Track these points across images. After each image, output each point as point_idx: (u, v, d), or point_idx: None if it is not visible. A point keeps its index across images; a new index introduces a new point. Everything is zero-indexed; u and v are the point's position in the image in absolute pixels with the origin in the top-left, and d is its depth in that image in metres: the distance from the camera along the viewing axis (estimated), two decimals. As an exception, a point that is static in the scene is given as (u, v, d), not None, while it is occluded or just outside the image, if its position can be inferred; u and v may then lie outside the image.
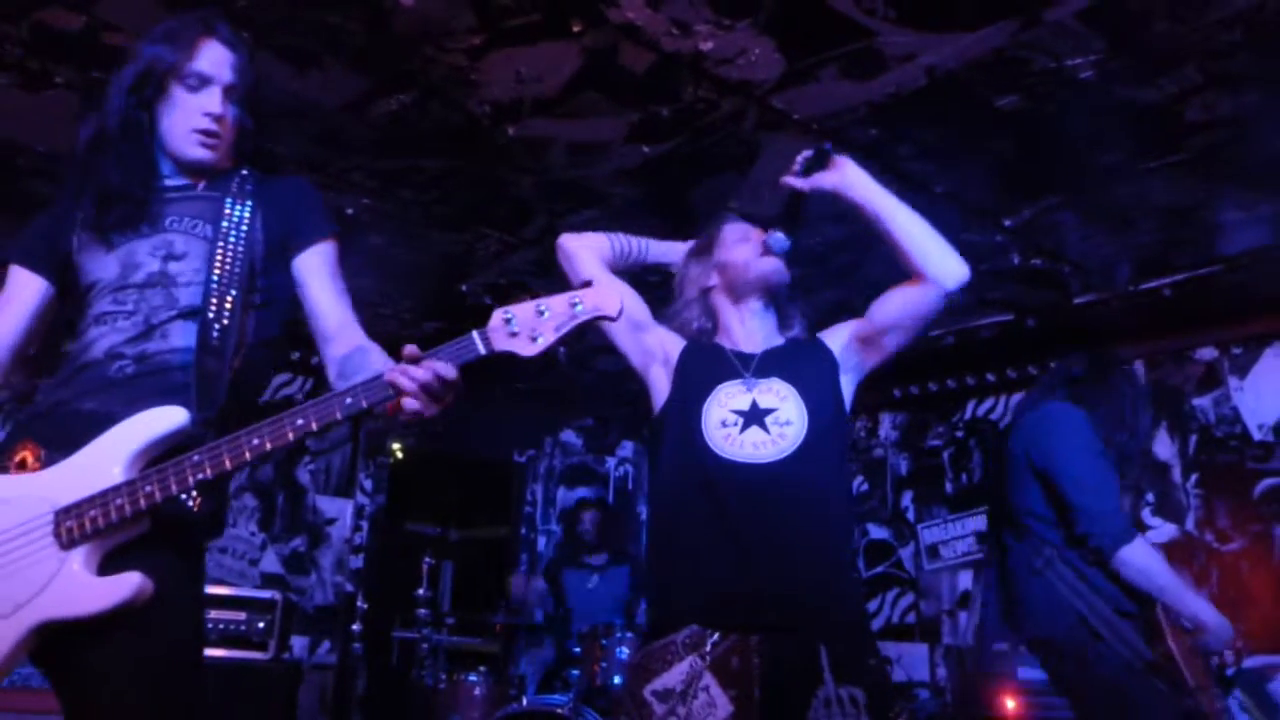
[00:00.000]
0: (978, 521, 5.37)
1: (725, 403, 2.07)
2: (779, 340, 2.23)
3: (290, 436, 1.50)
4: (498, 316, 1.53)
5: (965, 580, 5.38)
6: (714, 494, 1.98)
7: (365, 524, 6.01)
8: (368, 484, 6.05)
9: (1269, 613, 4.19)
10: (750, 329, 2.22)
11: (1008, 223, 3.91)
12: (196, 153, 1.79)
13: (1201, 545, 4.53)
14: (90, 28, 2.83)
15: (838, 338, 2.22)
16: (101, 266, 1.74)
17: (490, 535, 6.81)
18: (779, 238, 2.19)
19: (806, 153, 2.15)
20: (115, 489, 1.51)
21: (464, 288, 4.76)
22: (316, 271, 1.81)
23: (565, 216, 4.01)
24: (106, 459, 1.54)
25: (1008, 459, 2.88)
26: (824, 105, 3.16)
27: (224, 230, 1.75)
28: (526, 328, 1.52)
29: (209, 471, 1.50)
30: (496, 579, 6.51)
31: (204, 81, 1.78)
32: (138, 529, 1.54)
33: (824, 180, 2.16)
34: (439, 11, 2.75)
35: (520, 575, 5.90)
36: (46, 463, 1.58)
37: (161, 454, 1.56)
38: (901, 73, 2.96)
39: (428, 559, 5.01)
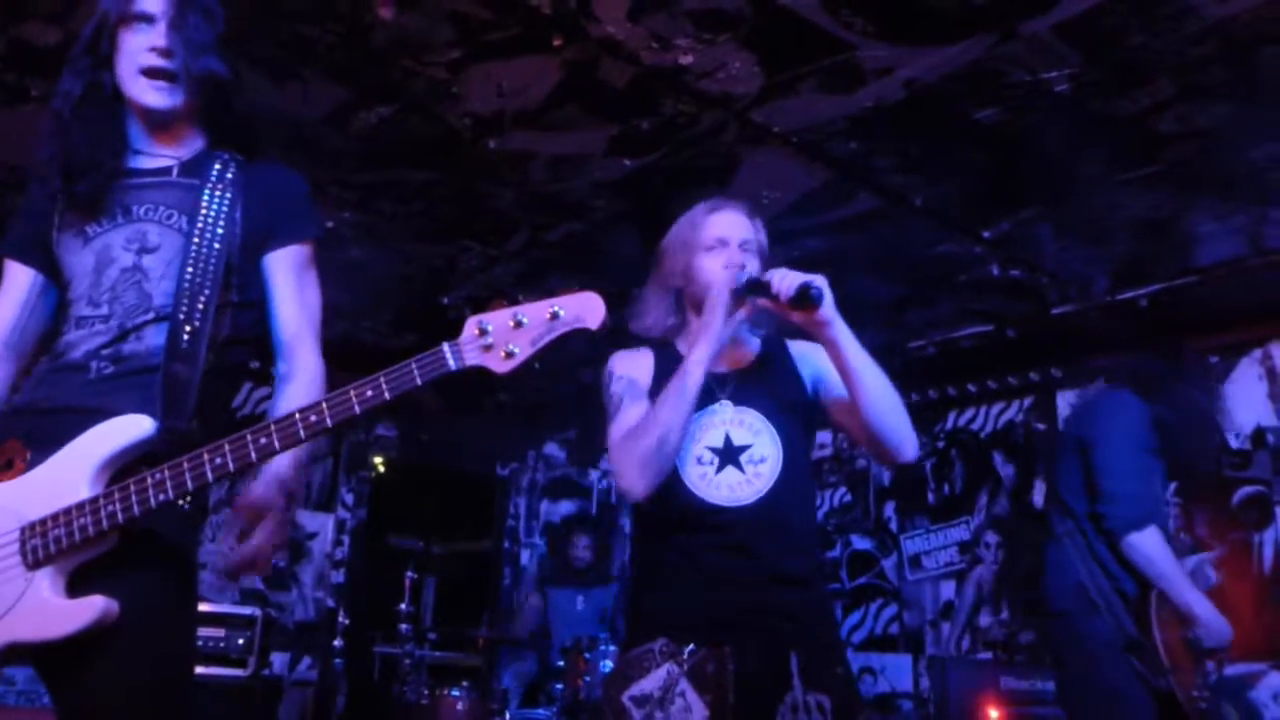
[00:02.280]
0: (960, 531, 5.39)
1: (700, 438, 2.06)
2: (749, 350, 2.21)
3: (253, 456, 1.46)
4: (471, 326, 1.45)
5: (948, 590, 5.39)
6: (693, 534, 2.01)
7: (347, 538, 5.97)
8: (349, 498, 6.02)
9: (1250, 621, 4.21)
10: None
11: (986, 234, 3.94)
12: (149, 98, 1.67)
13: (1181, 553, 4.56)
14: (67, 41, 2.81)
15: (811, 365, 2.18)
16: (78, 259, 1.69)
17: (473, 549, 6.78)
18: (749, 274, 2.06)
19: (803, 281, 2.05)
20: (80, 506, 1.48)
21: (445, 300, 4.75)
22: (283, 274, 1.74)
23: (547, 229, 4.01)
24: (72, 472, 1.51)
25: (1060, 439, 3.08)
26: (804, 119, 3.18)
27: (200, 226, 1.67)
28: (502, 340, 1.45)
29: (170, 491, 1.46)
30: (479, 593, 6.48)
31: (145, 18, 1.67)
32: (105, 546, 1.50)
33: (808, 324, 2.09)
34: (418, 25, 2.75)
35: (527, 597, 5.83)
36: (33, 464, 1.55)
37: (129, 464, 1.53)
38: (880, 86, 2.98)
39: (410, 573, 4.98)
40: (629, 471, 1.98)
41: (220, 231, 1.68)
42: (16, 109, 3.15)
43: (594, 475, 7.08)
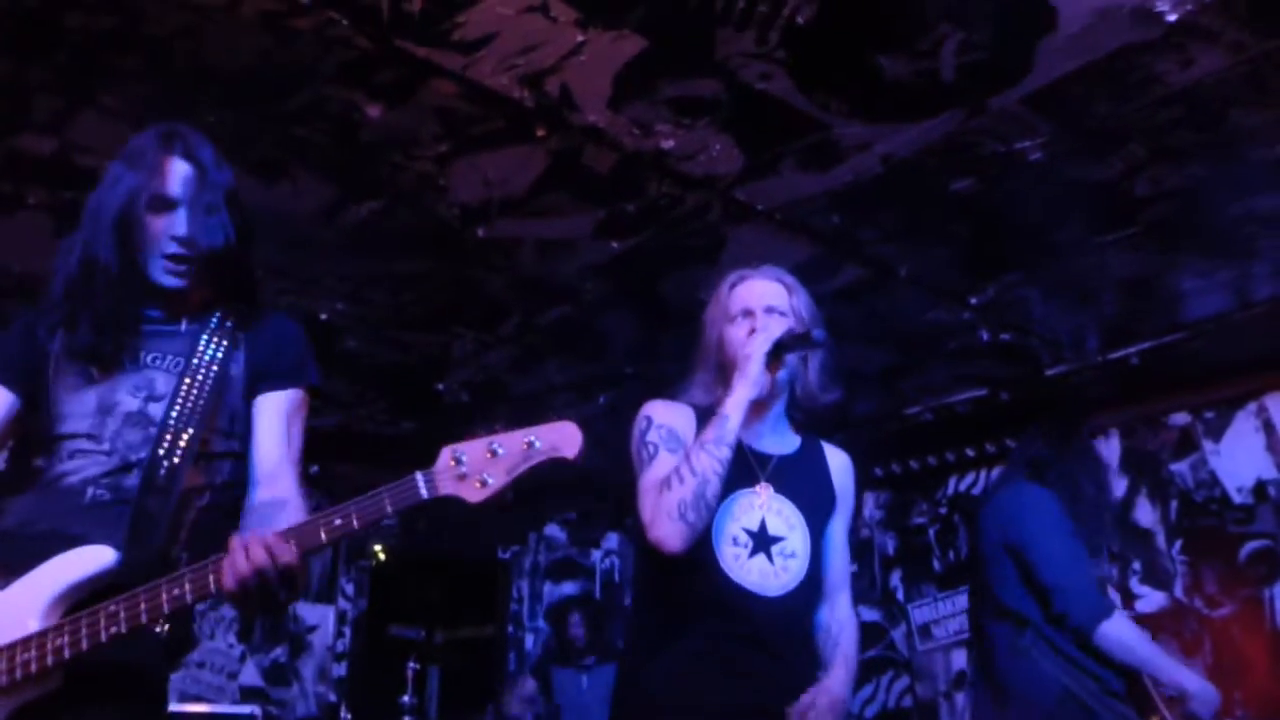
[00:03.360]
0: (967, 599, 5.32)
1: (739, 516, 2.05)
2: (790, 441, 2.21)
3: (213, 588, 1.41)
4: (445, 456, 1.44)
5: (960, 660, 5.30)
6: (721, 614, 2.00)
7: (348, 630, 5.89)
8: (349, 588, 5.96)
9: (1264, 678, 4.14)
10: (760, 416, 2.15)
11: (974, 300, 3.98)
12: (168, 280, 1.73)
13: (1192, 612, 4.50)
14: (62, 150, 2.88)
15: (840, 474, 2.22)
16: (78, 399, 1.70)
17: (476, 635, 6.68)
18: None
19: (791, 330, 2.10)
20: (25, 641, 1.42)
21: (440, 386, 4.77)
22: (268, 414, 1.76)
23: (538, 313, 4.05)
24: (23, 604, 1.46)
25: (982, 540, 2.93)
26: (786, 195, 3.24)
27: (193, 366, 1.71)
28: (476, 469, 1.43)
29: (123, 624, 1.41)
30: (484, 680, 6.37)
31: (168, 204, 1.72)
32: (50, 685, 1.43)
33: None
34: (405, 121, 2.82)
35: (518, 685, 5.74)
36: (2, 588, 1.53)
37: (86, 597, 1.48)
38: (858, 162, 3.05)
39: (412, 663, 4.90)
40: (663, 522, 1.93)
41: (213, 374, 1.72)
42: (13, 217, 3.21)
43: (596, 555, 7.01)
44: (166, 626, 1.52)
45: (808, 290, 2.24)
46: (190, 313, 1.80)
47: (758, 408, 2.12)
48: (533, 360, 4.50)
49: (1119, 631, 2.63)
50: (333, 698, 5.64)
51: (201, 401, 1.69)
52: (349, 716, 4.89)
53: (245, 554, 1.39)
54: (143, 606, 1.41)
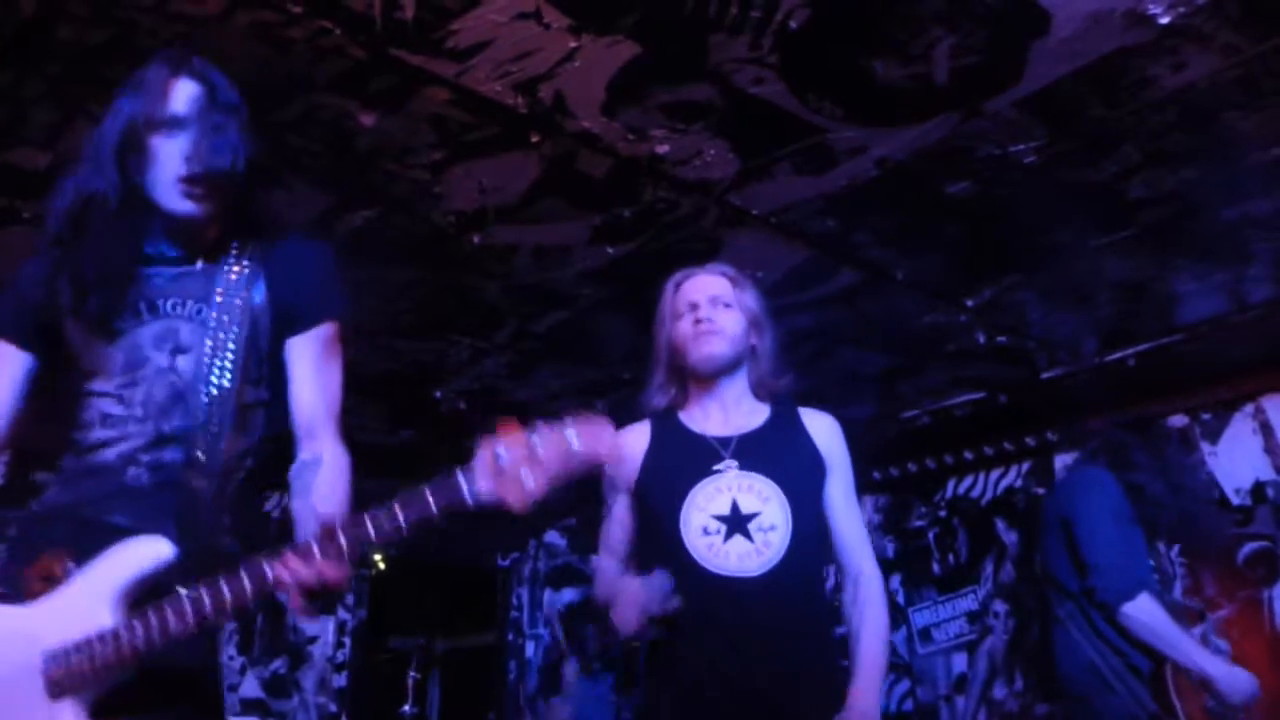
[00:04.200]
0: (968, 602, 5.32)
1: (705, 506, 2.03)
2: (757, 416, 2.19)
3: (270, 587, 1.43)
4: (486, 452, 1.38)
5: (960, 663, 5.29)
6: (705, 609, 1.98)
7: (348, 640, 5.88)
8: (349, 598, 5.94)
9: (1266, 681, 4.13)
10: (723, 403, 2.18)
11: (970, 303, 3.98)
12: (182, 205, 1.64)
13: (1191, 614, 4.50)
14: (56, 163, 2.88)
15: (824, 436, 2.20)
16: (103, 357, 1.63)
17: (477, 644, 6.67)
18: None
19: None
20: (100, 636, 1.46)
21: (437, 394, 4.76)
22: (302, 360, 1.70)
23: (534, 319, 4.05)
24: (94, 599, 1.50)
25: (1044, 520, 3.11)
26: (781, 199, 3.24)
27: (217, 312, 1.63)
28: (515, 467, 1.36)
29: (190, 620, 1.43)
30: (485, 689, 6.36)
31: (178, 124, 1.63)
32: (124, 676, 1.48)
33: None
34: (400, 129, 2.82)
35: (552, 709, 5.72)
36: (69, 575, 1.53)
37: (149, 589, 1.50)
38: (853, 165, 3.05)
39: (413, 673, 4.89)
40: (627, 624, 2.02)
41: (239, 320, 1.64)
42: (8, 230, 3.21)
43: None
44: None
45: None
46: (204, 250, 1.70)
47: (701, 394, 2.17)
48: (530, 367, 4.50)
49: (1142, 612, 2.69)
50: (334, 708, 5.62)
51: (231, 354, 1.62)
52: (349, 726, 4.88)
53: (290, 572, 1.40)
54: (207, 604, 1.44)
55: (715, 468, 2.07)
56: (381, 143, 2.88)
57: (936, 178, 3.11)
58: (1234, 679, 2.68)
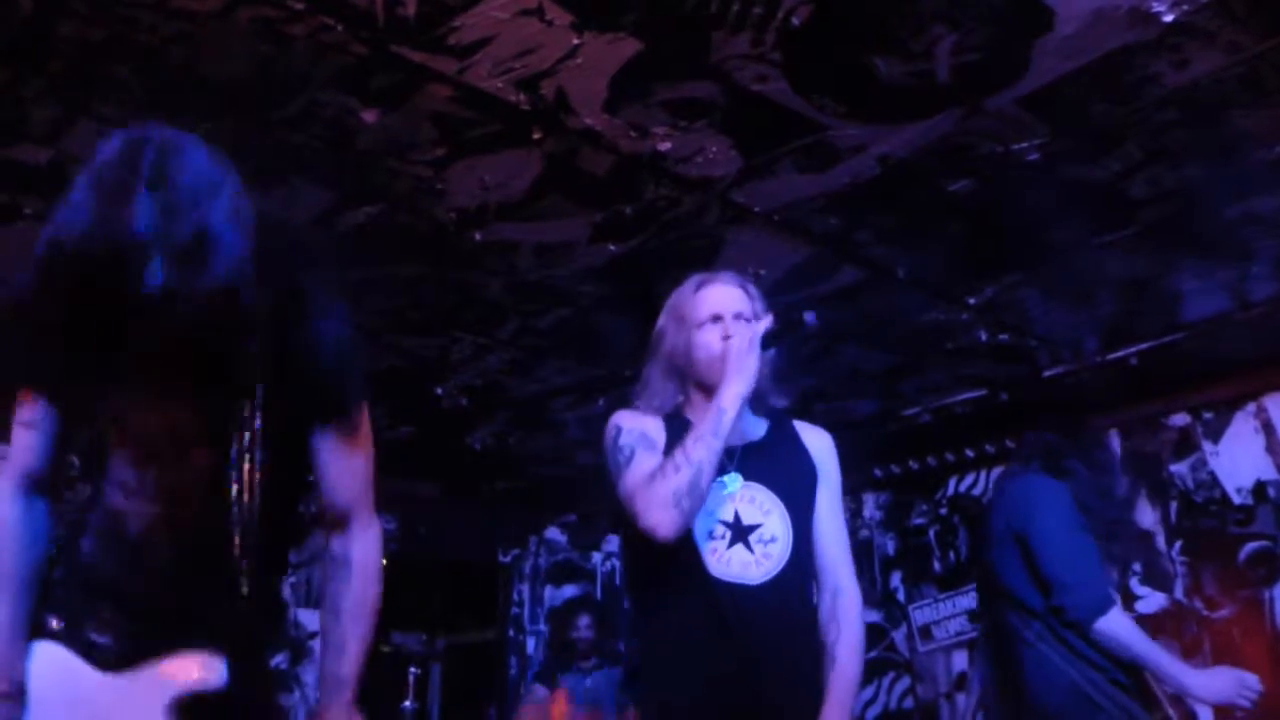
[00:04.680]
0: (969, 599, 5.32)
1: (713, 510, 2.04)
2: (757, 427, 2.21)
3: None
4: None
5: (960, 661, 5.30)
6: (711, 611, 1.99)
7: (348, 635, 5.88)
8: (350, 594, 5.94)
9: (1264, 680, 4.13)
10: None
11: (972, 301, 3.98)
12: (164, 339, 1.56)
13: (1191, 613, 4.50)
14: (58, 160, 2.87)
15: (819, 450, 2.20)
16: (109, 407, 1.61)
17: (478, 639, 6.68)
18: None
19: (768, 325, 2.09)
20: None
21: (439, 391, 4.76)
22: (332, 446, 1.67)
23: (536, 316, 4.05)
24: (148, 707, 1.51)
25: (991, 533, 2.93)
26: (783, 197, 3.24)
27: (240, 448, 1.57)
28: None
29: None
30: (486, 685, 6.36)
31: (138, 250, 1.50)
32: None
33: None
34: (401, 126, 2.82)
35: (528, 693, 5.73)
36: (120, 644, 1.54)
37: (192, 703, 1.51)
38: (855, 163, 3.04)
39: (414, 669, 4.89)
40: (654, 511, 1.93)
41: (259, 446, 1.60)
42: (10, 227, 3.21)
43: (597, 558, 7.01)
44: None
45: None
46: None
47: (711, 401, 2.13)
48: (531, 363, 4.50)
49: (1114, 627, 2.62)
50: (333, 703, 5.62)
51: (258, 438, 1.57)
52: (349, 722, 4.87)
53: None
54: None
55: (721, 476, 2.08)
56: (383, 140, 2.87)
57: (938, 175, 3.11)
58: (1206, 685, 2.65)
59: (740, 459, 2.11)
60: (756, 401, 2.21)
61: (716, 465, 1.96)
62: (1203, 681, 2.65)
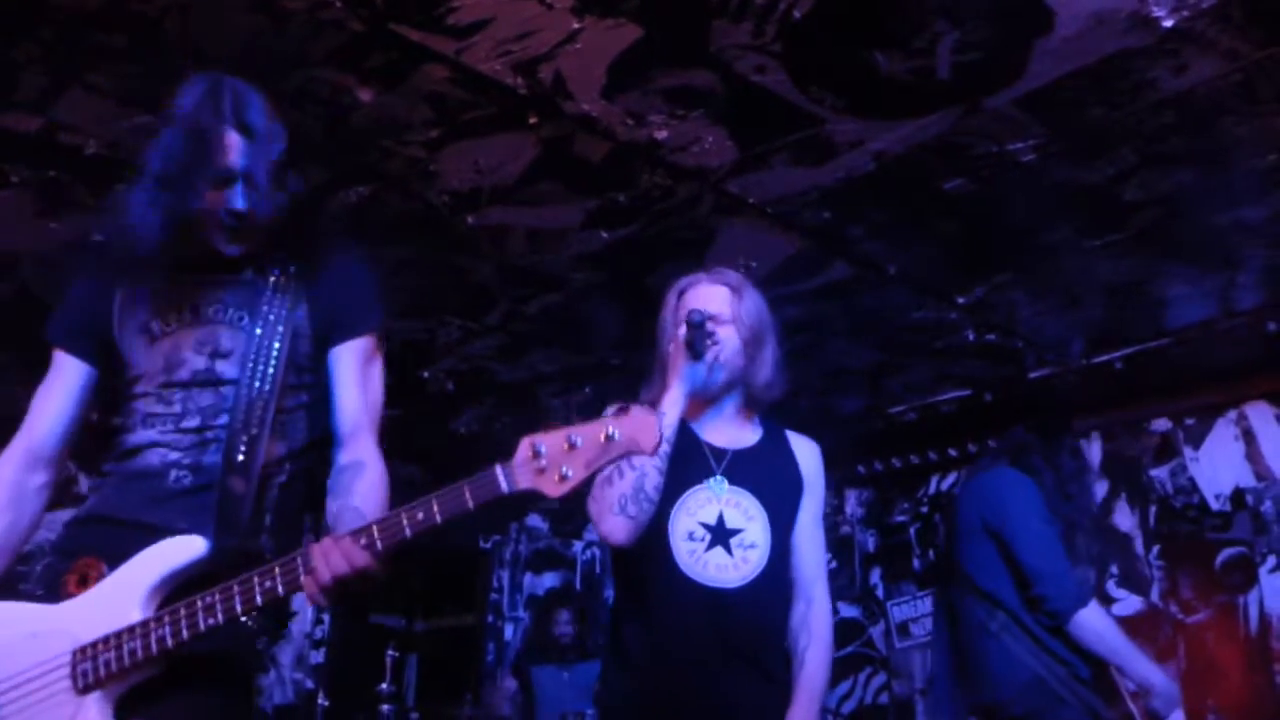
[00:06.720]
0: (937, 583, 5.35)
1: (694, 511, 2.06)
2: (750, 434, 2.21)
3: (301, 581, 1.44)
4: (524, 448, 1.40)
5: (937, 658, 5.33)
6: (673, 611, 2.01)
7: (327, 617, 5.87)
8: (329, 575, 5.93)
9: (1238, 685, 4.18)
10: (722, 415, 2.19)
11: (960, 300, 3.99)
12: (228, 249, 1.71)
13: (1167, 617, 4.54)
14: (47, 128, 2.84)
15: (808, 463, 2.21)
16: (146, 358, 1.70)
17: (457, 624, 6.67)
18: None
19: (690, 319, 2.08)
20: (130, 630, 1.48)
21: (425, 374, 4.74)
22: (346, 367, 1.74)
23: (526, 302, 4.04)
24: (125, 595, 1.52)
25: (958, 523, 2.94)
26: (777, 189, 3.23)
27: (260, 320, 1.69)
28: (555, 462, 1.39)
29: (220, 615, 1.46)
30: (462, 669, 6.36)
31: (229, 178, 1.68)
32: (153, 670, 1.50)
33: None
34: (397, 106, 2.80)
35: (499, 682, 5.73)
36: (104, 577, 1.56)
37: (181, 585, 1.53)
38: (850, 158, 3.04)
39: (391, 651, 4.89)
40: (606, 517, 1.98)
41: (281, 329, 1.70)
42: (-3, 193, 3.17)
43: (578, 546, 7.01)
44: (251, 617, 1.54)
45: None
46: (252, 261, 1.75)
47: (704, 404, 2.15)
48: (519, 349, 4.49)
49: (1094, 620, 2.64)
50: (310, 685, 5.61)
51: (273, 360, 1.67)
52: (326, 703, 4.86)
53: (326, 563, 1.43)
54: (237, 599, 1.45)
55: (709, 477, 2.09)
56: (378, 119, 2.85)
57: (933, 173, 3.11)
58: (1170, 689, 2.68)
59: (730, 464, 2.12)
60: (749, 402, 2.21)
61: (663, 468, 1.97)
62: (1164, 683, 2.67)
